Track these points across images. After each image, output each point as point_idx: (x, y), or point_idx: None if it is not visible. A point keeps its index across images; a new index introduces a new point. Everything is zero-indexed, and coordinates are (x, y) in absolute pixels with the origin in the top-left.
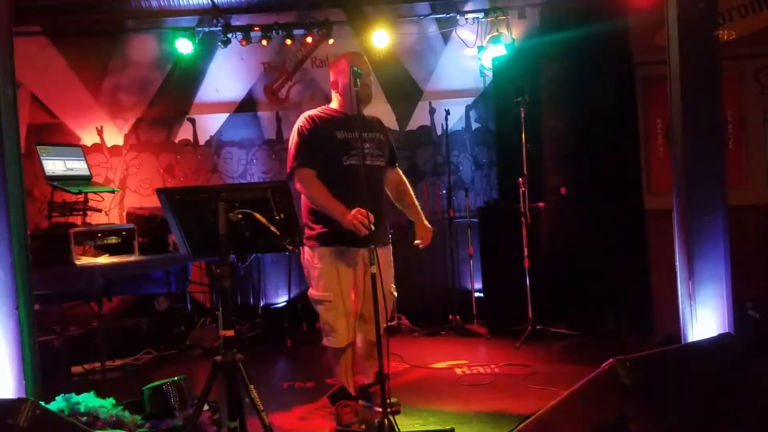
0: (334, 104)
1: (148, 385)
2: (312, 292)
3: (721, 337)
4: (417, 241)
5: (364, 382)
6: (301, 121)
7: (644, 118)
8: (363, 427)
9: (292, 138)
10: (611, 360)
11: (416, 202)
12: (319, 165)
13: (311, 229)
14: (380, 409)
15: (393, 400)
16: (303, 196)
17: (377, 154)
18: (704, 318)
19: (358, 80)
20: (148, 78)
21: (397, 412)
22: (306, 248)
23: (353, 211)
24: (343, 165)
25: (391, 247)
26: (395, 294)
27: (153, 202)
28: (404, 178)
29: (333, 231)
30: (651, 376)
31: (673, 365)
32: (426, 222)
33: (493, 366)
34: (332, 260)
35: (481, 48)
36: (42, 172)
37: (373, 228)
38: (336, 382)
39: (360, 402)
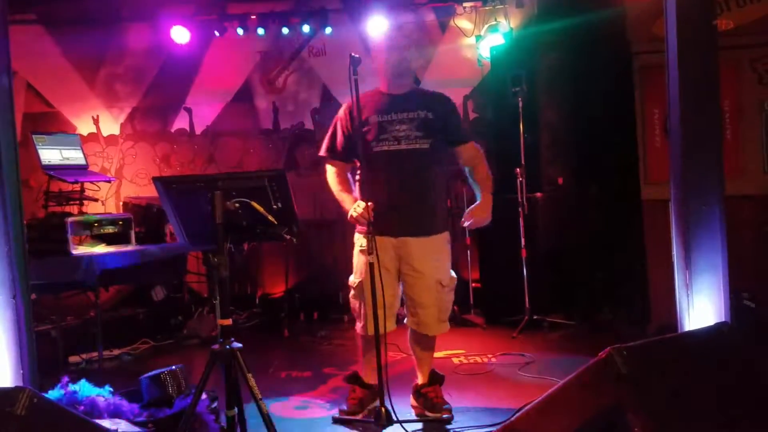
0: (382, 85)
1: (146, 375)
2: (350, 278)
3: (717, 326)
4: (465, 222)
5: (417, 382)
6: (343, 107)
7: (641, 108)
8: (361, 418)
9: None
10: (608, 348)
11: (485, 179)
12: (354, 154)
13: None
14: (432, 414)
15: (446, 406)
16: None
17: (415, 136)
18: (701, 307)
19: (356, 68)
20: (144, 67)
21: (449, 420)
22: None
23: (355, 210)
24: (373, 152)
25: (439, 236)
26: (451, 284)
27: (149, 191)
28: (478, 153)
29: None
30: (648, 364)
31: (669, 354)
32: (486, 203)
33: (490, 355)
34: (365, 247)
35: (479, 37)
36: (38, 161)
37: (372, 219)
38: (331, 370)
39: (414, 403)
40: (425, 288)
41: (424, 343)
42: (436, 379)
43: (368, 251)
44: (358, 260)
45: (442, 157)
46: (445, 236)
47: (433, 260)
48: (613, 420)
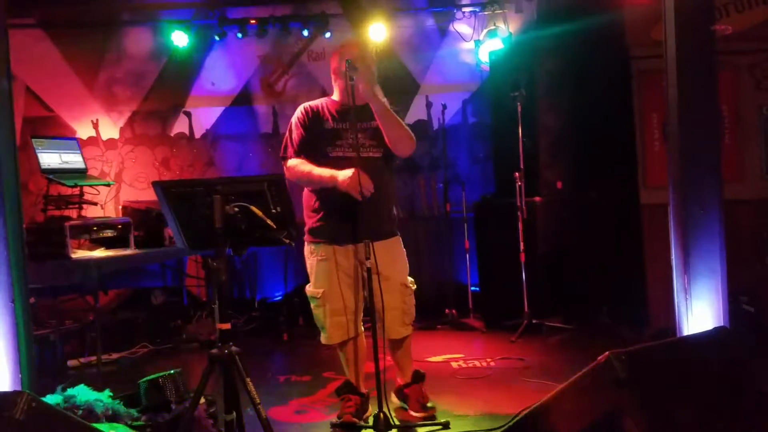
0: (335, 95)
1: (144, 379)
2: (307, 288)
3: (716, 330)
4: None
5: (399, 382)
6: (296, 112)
7: (640, 113)
8: (361, 422)
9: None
10: (607, 353)
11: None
12: (309, 156)
13: (307, 220)
14: (416, 414)
15: (429, 404)
16: (304, 190)
17: (370, 145)
18: (699, 312)
19: (354, 75)
20: (144, 71)
21: (432, 418)
22: (305, 243)
23: (347, 174)
24: (329, 156)
25: (398, 239)
26: (412, 286)
27: (148, 195)
28: None
29: (323, 226)
30: (646, 369)
31: (668, 358)
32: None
33: (488, 360)
34: (324, 256)
35: (478, 42)
36: (37, 165)
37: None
38: (330, 375)
39: (396, 402)
40: (390, 291)
41: (395, 346)
42: (418, 377)
43: (365, 256)
44: (317, 269)
45: (392, 164)
46: (400, 239)
47: (396, 263)
48: (611, 424)
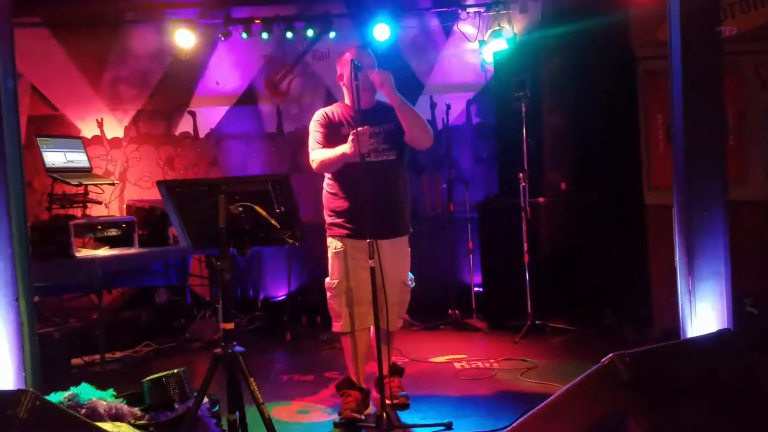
0: (346, 99)
1: (148, 378)
2: (326, 280)
3: (720, 332)
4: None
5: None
6: (315, 116)
7: (645, 113)
8: (363, 417)
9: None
10: (610, 355)
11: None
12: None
13: (327, 218)
14: (389, 401)
15: (402, 394)
16: (324, 191)
17: (383, 149)
18: (704, 314)
19: (358, 74)
20: (149, 70)
21: (406, 406)
22: (327, 237)
23: (350, 141)
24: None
25: (404, 239)
26: (411, 284)
27: (153, 194)
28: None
29: (342, 221)
30: (650, 371)
31: (672, 360)
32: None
33: (492, 360)
34: (341, 249)
35: (482, 42)
36: (42, 163)
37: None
38: (332, 374)
39: (373, 394)
40: (391, 287)
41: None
42: (396, 371)
43: (369, 255)
44: (335, 261)
45: (405, 164)
46: (407, 239)
47: (399, 261)
48: (615, 426)
